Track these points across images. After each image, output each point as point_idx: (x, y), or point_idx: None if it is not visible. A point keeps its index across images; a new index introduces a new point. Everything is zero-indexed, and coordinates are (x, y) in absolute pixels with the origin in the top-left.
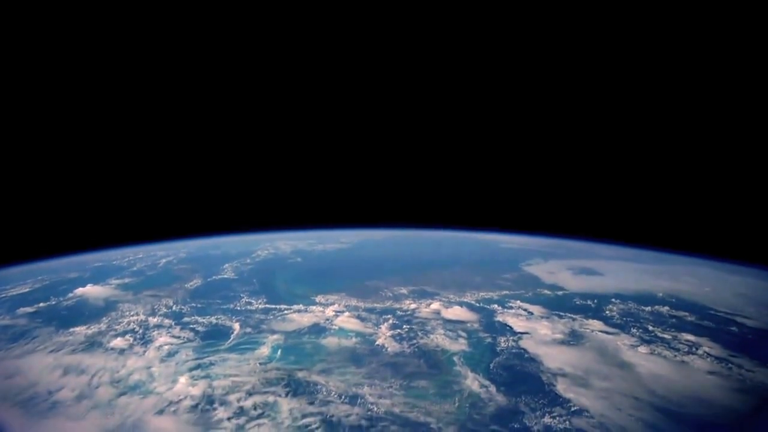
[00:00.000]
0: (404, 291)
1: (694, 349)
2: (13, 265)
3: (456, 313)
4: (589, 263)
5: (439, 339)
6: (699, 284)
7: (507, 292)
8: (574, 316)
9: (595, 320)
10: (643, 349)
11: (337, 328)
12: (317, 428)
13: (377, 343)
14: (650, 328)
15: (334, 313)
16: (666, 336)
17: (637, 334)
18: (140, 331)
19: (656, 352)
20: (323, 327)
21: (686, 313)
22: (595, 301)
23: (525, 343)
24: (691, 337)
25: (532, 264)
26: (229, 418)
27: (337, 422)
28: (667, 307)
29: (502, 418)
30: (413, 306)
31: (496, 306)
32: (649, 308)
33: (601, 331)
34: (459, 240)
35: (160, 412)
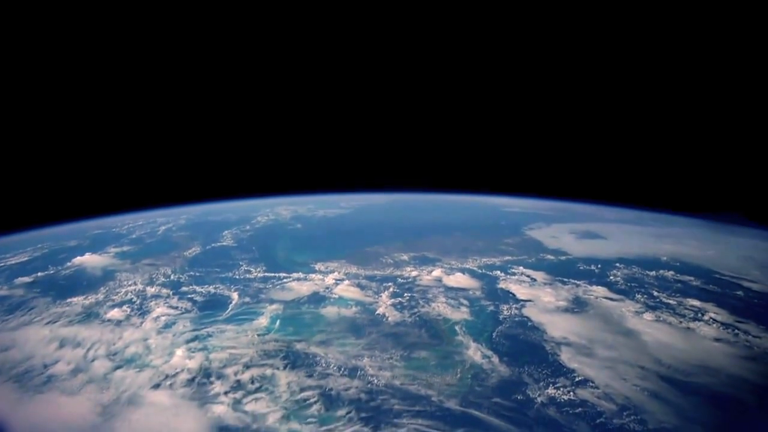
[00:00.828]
0: (405, 257)
1: (699, 315)
2: (14, 233)
3: (458, 280)
4: (592, 227)
5: (441, 307)
6: (703, 247)
7: (510, 257)
8: (578, 282)
9: (599, 286)
10: (648, 315)
11: (336, 296)
12: (315, 402)
13: (377, 312)
14: (655, 293)
15: (333, 281)
16: (671, 301)
17: (642, 300)
18: (137, 302)
19: (661, 319)
20: (323, 296)
21: (691, 278)
22: (599, 266)
23: (528, 311)
24: (696, 303)
25: (535, 228)
26: (226, 392)
27: (336, 396)
28: (671, 272)
29: (505, 390)
30: (414, 273)
31: (498, 272)
32: (653, 273)
33: (605, 298)
34: (460, 204)
35: (156, 386)
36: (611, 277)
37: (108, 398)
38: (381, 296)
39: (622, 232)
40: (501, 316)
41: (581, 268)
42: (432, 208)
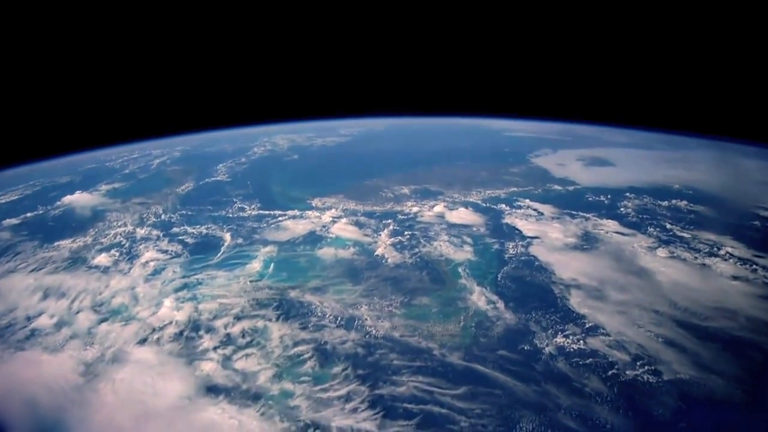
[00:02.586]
0: (406, 191)
1: (715, 250)
2: (9, 167)
3: (461, 216)
4: (600, 152)
5: (443, 247)
6: (716, 172)
7: (515, 189)
8: (587, 215)
9: (609, 219)
10: (661, 251)
11: (333, 236)
12: (309, 358)
13: (376, 253)
14: (668, 226)
15: (331, 219)
16: (685, 235)
17: (655, 233)
18: (126, 245)
19: (675, 255)
20: (319, 236)
21: (705, 208)
22: (609, 196)
23: (535, 250)
24: (711, 236)
25: (541, 155)
26: (215, 348)
27: (331, 351)
28: (684, 201)
29: (511, 341)
30: (415, 209)
31: (503, 206)
32: (665, 203)
33: (616, 233)
34: (463, 129)
35: (143, 341)
36: (622, 209)
37: (92, 356)
38: (380, 235)
39: (631, 157)
40: (506, 256)
41: (590, 199)
42: (433, 134)
